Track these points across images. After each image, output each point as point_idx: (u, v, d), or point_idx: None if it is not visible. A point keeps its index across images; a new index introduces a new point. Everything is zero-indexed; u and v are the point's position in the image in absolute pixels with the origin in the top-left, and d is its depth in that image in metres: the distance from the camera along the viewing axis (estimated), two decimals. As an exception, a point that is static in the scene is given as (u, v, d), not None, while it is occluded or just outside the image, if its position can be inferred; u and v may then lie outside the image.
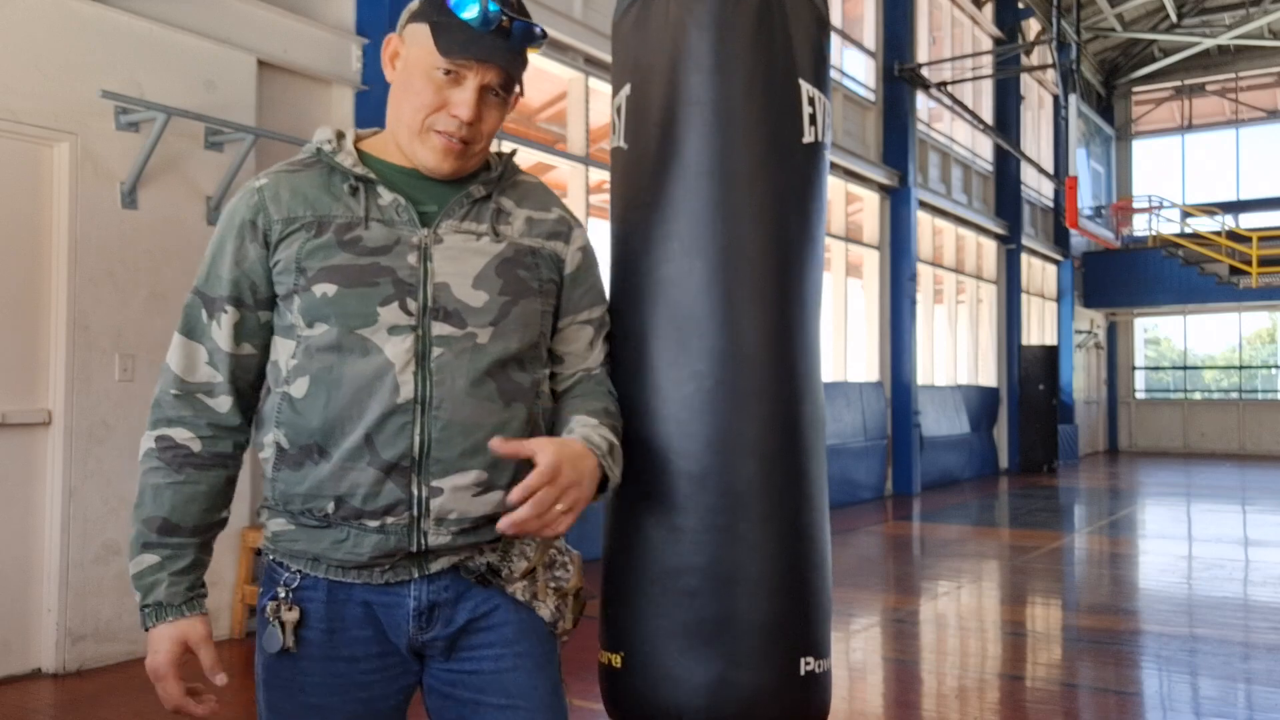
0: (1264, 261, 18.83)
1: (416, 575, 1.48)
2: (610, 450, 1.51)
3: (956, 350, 15.34)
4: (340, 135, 1.55)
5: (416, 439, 1.43)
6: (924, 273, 13.74)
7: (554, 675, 1.55)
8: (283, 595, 1.49)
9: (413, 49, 1.49)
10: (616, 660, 1.76)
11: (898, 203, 12.49)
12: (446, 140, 1.48)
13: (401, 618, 1.49)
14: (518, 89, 1.54)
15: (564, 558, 1.58)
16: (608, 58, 7.63)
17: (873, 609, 6.09)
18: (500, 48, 1.46)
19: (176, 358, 1.53)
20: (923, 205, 13.36)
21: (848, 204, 11.86)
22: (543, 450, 1.39)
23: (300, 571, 1.49)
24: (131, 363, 4.70)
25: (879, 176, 12.06)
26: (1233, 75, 21.23)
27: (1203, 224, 20.89)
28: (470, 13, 1.45)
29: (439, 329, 1.46)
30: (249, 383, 1.54)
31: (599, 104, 8.12)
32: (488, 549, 1.51)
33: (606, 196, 10.49)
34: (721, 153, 1.77)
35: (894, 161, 12.38)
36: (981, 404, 15.36)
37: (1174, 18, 18.67)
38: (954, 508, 11.32)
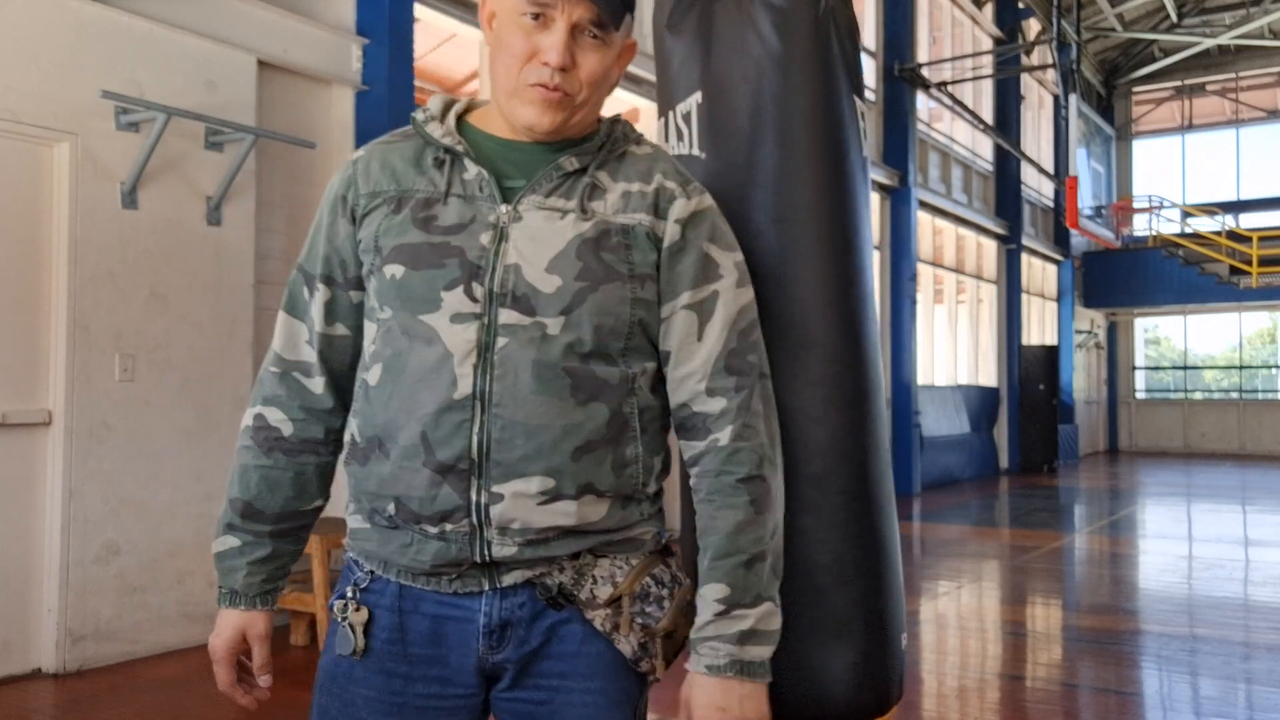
0: (1264, 261, 18.83)
1: (487, 588, 1.32)
2: (747, 637, 1.30)
3: (956, 350, 15.34)
4: (448, 105, 1.42)
5: (475, 439, 1.28)
6: (924, 273, 13.74)
7: (628, 716, 1.36)
8: (350, 595, 1.38)
9: (503, 5, 1.34)
10: None
11: (898, 202, 12.49)
12: (542, 92, 1.31)
13: (471, 634, 1.33)
14: (625, 31, 1.37)
15: (661, 590, 1.35)
16: (608, 58, 7.64)
17: (873, 609, 6.09)
18: None
19: (279, 335, 1.44)
20: (923, 205, 13.36)
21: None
22: (695, 691, 1.29)
23: (372, 572, 1.38)
24: (131, 363, 4.70)
25: (879, 176, 12.06)
26: (1233, 75, 21.22)
27: (1203, 224, 20.89)
28: None
29: (505, 316, 1.29)
30: (343, 365, 1.43)
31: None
32: (564, 566, 1.33)
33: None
34: (801, 165, 1.81)
35: (894, 161, 12.38)
36: (981, 404, 15.36)
37: (1174, 18, 18.67)
38: (954, 508, 11.32)
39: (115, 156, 4.65)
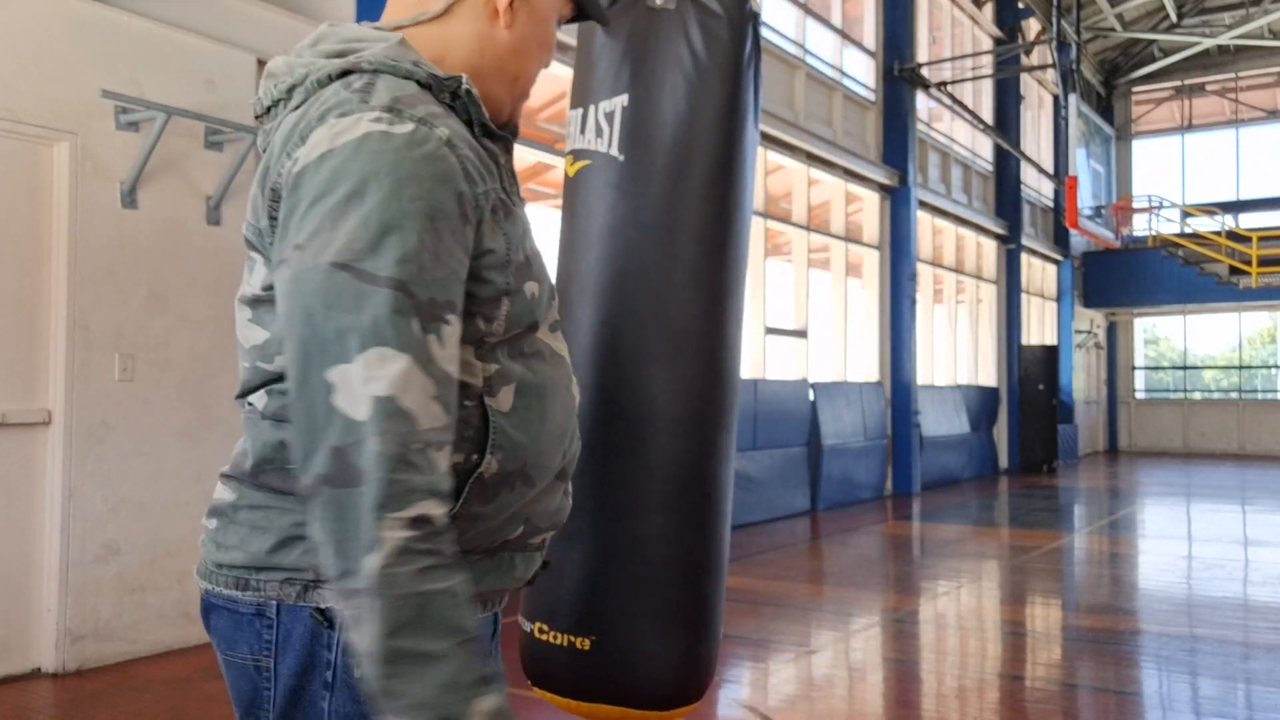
0: (1264, 261, 18.83)
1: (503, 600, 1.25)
2: None
3: (956, 350, 15.34)
4: (460, 75, 1.15)
5: (577, 446, 1.24)
6: (924, 273, 13.74)
7: None
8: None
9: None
10: (584, 643, 1.85)
11: (898, 202, 12.49)
12: (525, 91, 1.24)
13: (487, 636, 1.20)
14: None
15: None
16: (608, 57, 7.64)
17: (872, 609, 6.09)
18: None
19: (411, 394, 0.97)
20: (923, 205, 13.35)
21: (848, 204, 11.86)
22: None
23: None
24: (131, 362, 4.70)
25: (879, 176, 12.06)
26: (1233, 75, 21.22)
27: (1203, 224, 20.89)
28: None
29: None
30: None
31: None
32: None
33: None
34: (743, 170, 1.84)
35: (894, 161, 12.37)
36: (981, 404, 15.36)
37: (1174, 18, 18.66)
38: (954, 507, 11.32)
39: (115, 156, 4.65)
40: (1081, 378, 19.90)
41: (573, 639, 1.84)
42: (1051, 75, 16.78)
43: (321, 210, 0.99)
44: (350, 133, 1.01)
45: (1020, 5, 15.97)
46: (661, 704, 1.87)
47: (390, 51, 1.11)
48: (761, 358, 10.03)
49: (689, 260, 1.81)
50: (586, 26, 1.92)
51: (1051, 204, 18.51)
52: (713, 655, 1.89)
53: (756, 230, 9.85)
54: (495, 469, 1.11)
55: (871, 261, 12.41)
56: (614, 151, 1.87)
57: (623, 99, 1.86)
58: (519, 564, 1.20)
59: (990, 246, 16.17)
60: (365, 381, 0.95)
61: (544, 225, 9.76)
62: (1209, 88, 21.64)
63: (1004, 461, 16.19)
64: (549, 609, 1.86)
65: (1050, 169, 17.51)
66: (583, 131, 1.89)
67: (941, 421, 13.64)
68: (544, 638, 1.87)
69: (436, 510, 0.97)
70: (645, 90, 1.85)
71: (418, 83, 1.10)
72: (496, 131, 1.16)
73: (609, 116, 1.88)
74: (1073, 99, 12.68)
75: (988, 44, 15.58)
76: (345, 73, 1.10)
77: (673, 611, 1.84)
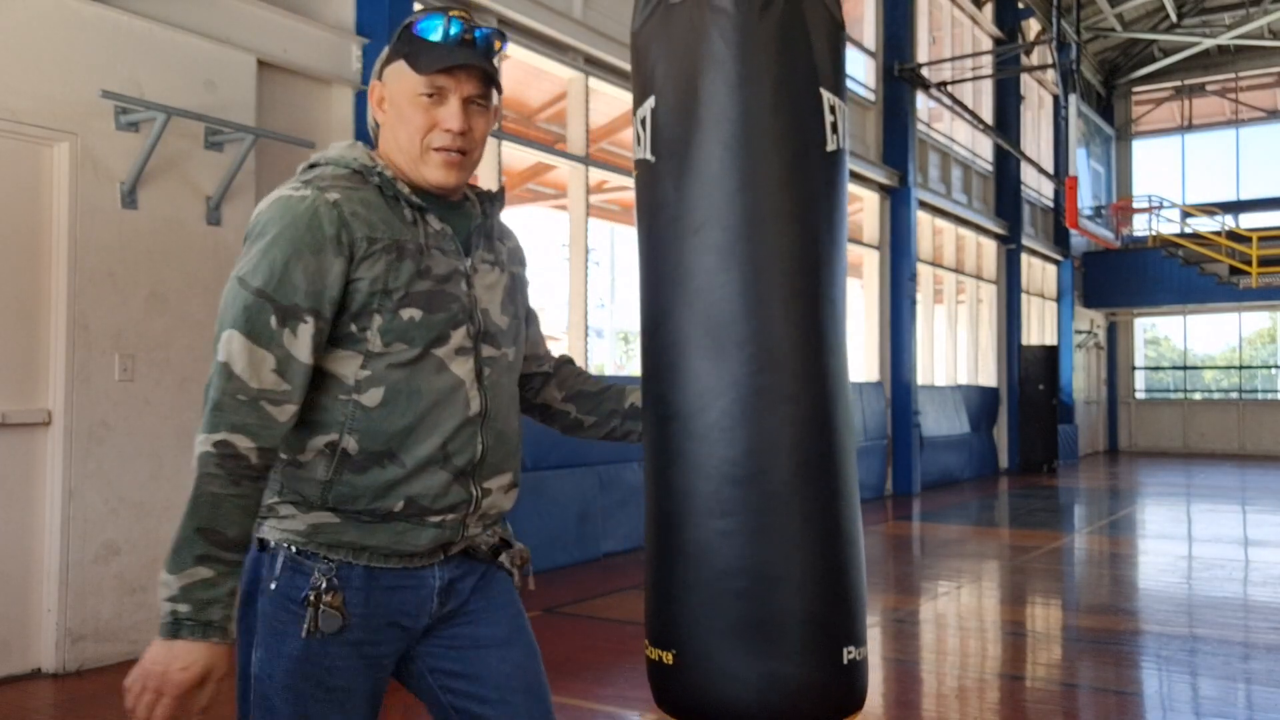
0: (1264, 261, 18.83)
1: (441, 559, 1.64)
2: None
3: (956, 350, 15.34)
4: (370, 154, 1.63)
5: (479, 447, 1.61)
6: (924, 273, 13.74)
7: (529, 623, 1.78)
8: (322, 585, 1.54)
9: (395, 85, 1.62)
10: (668, 657, 1.80)
11: (898, 202, 12.49)
12: (445, 155, 1.60)
13: (425, 596, 1.63)
14: (497, 97, 1.67)
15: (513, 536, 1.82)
16: (608, 58, 7.64)
17: (873, 609, 6.09)
18: (471, 56, 1.59)
19: (241, 360, 1.48)
20: (923, 205, 13.35)
21: (848, 204, 11.85)
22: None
23: (337, 561, 1.56)
24: (131, 363, 4.70)
25: (879, 176, 12.06)
26: (1233, 75, 21.22)
27: (1203, 224, 20.89)
28: (436, 34, 1.59)
29: (486, 350, 1.64)
30: (305, 393, 1.54)
31: (599, 104, 8.11)
32: (495, 533, 1.73)
33: (606, 196, 10.52)
34: (749, 165, 1.79)
35: (894, 161, 12.38)
36: (981, 404, 15.36)
37: (1174, 18, 18.66)
38: (954, 508, 11.32)
39: (115, 156, 4.65)
40: (1081, 378, 19.90)
41: (661, 653, 1.83)
42: (1051, 75, 16.78)
43: (247, 242, 1.55)
44: (274, 196, 1.56)
45: (1020, 5, 15.97)
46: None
47: (340, 151, 1.62)
48: (761, 358, 10.01)
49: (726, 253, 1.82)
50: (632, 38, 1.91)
51: (1051, 204, 18.51)
52: (810, 677, 1.77)
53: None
54: (356, 447, 1.53)
55: (872, 261, 12.41)
56: (648, 155, 1.88)
57: (651, 101, 1.87)
58: (411, 534, 1.58)
59: (990, 246, 16.17)
60: (218, 351, 1.50)
61: (545, 225, 9.74)
62: (1209, 88, 21.65)
63: (1004, 461, 16.19)
64: (647, 624, 1.86)
65: (1050, 169, 17.51)
66: (638, 143, 1.88)
67: (941, 421, 13.64)
68: (646, 652, 1.87)
69: (241, 442, 1.46)
70: (665, 88, 1.85)
71: (351, 170, 1.59)
72: (412, 199, 1.58)
73: (643, 121, 1.88)
74: (1073, 99, 12.69)
75: (988, 44, 15.58)
76: (311, 165, 1.63)
77: (740, 626, 1.76)
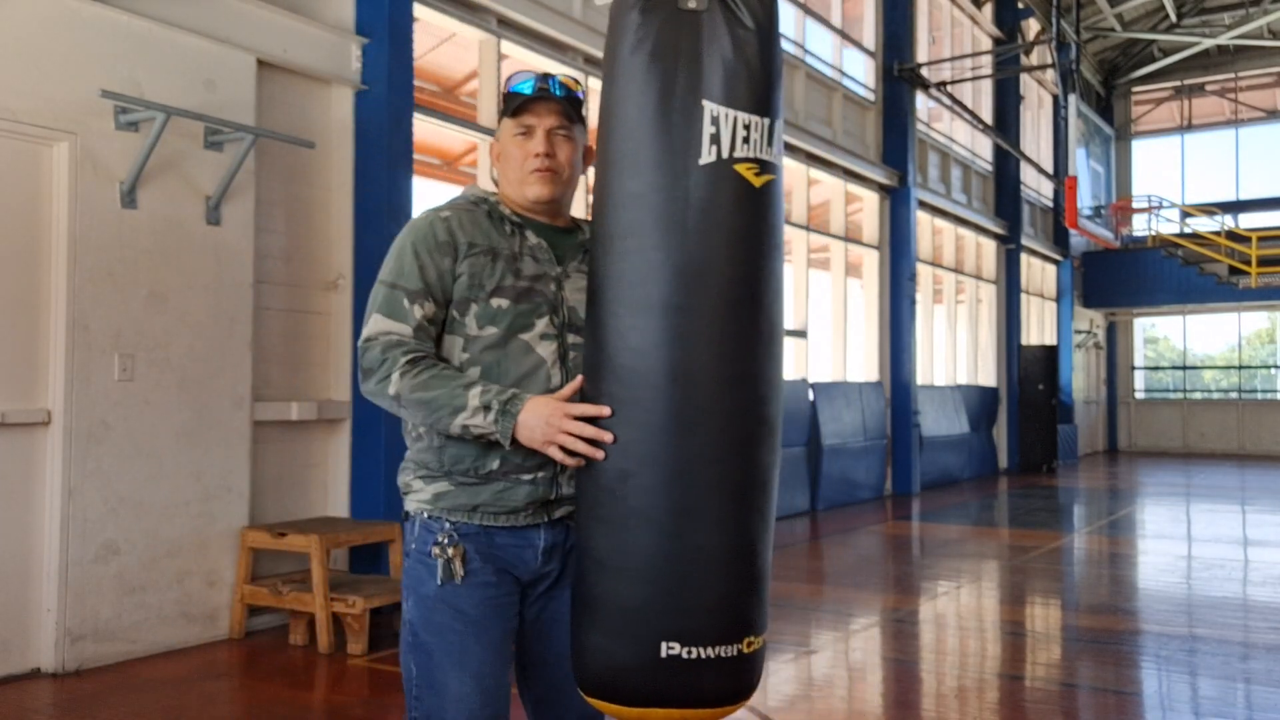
0: (1263, 261, 18.83)
1: (545, 520, 2.01)
2: None
3: (956, 350, 15.34)
4: (488, 192, 2.12)
5: None
6: (923, 272, 13.74)
7: None
8: (445, 541, 1.96)
9: (502, 136, 2.09)
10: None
11: (897, 202, 12.49)
12: (539, 173, 2.03)
13: (530, 556, 2.01)
14: (582, 132, 2.11)
15: None
16: (607, 57, 7.64)
17: (872, 609, 6.09)
18: (549, 98, 2.05)
19: (383, 329, 1.95)
20: (922, 205, 13.35)
21: (847, 204, 11.86)
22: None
23: (458, 521, 1.97)
24: (131, 362, 4.70)
25: (878, 176, 12.06)
26: (1232, 75, 21.22)
27: (1202, 224, 20.89)
28: (525, 87, 2.05)
29: (571, 339, 2.03)
30: (434, 350, 2.00)
31: (598, 103, 8.11)
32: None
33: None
34: (623, 170, 1.90)
35: (893, 161, 12.38)
36: (981, 404, 15.36)
37: (1174, 18, 18.67)
38: (953, 507, 11.32)
39: (115, 156, 4.65)
40: (1081, 378, 19.90)
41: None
42: (1051, 75, 16.78)
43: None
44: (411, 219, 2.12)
45: (1020, 5, 15.97)
46: (714, 702, 1.92)
47: (464, 190, 2.15)
48: (761, 358, 10.01)
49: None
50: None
51: (1051, 204, 18.51)
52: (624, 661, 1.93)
53: (756, 230, 9.85)
54: None
55: (871, 261, 12.41)
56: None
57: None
58: (509, 491, 1.97)
59: (990, 246, 16.17)
60: (366, 326, 1.99)
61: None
62: (1209, 88, 21.65)
63: (1003, 461, 16.19)
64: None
65: (1050, 169, 17.51)
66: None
67: (941, 421, 13.64)
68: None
69: (415, 352, 1.95)
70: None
71: (469, 200, 2.09)
72: (511, 218, 2.06)
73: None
74: (1072, 99, 12.69)
75: (987, 44, 15.58)
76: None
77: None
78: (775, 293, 1.98)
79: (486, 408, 1.87)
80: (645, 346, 1.88)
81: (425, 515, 2.00)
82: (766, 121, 1.91)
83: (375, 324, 1.95)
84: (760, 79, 1.91)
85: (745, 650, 1.92)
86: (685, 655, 1.86)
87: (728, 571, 1.91)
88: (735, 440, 1.90)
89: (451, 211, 2.03)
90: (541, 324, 1.99)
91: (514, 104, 2.04)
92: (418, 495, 2.02)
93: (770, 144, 1.92)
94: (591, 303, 1.94)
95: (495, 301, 1.97)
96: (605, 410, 1.83)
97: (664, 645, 1.86)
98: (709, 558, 1.89)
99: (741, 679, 1.94)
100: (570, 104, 2.06)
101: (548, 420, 1.85)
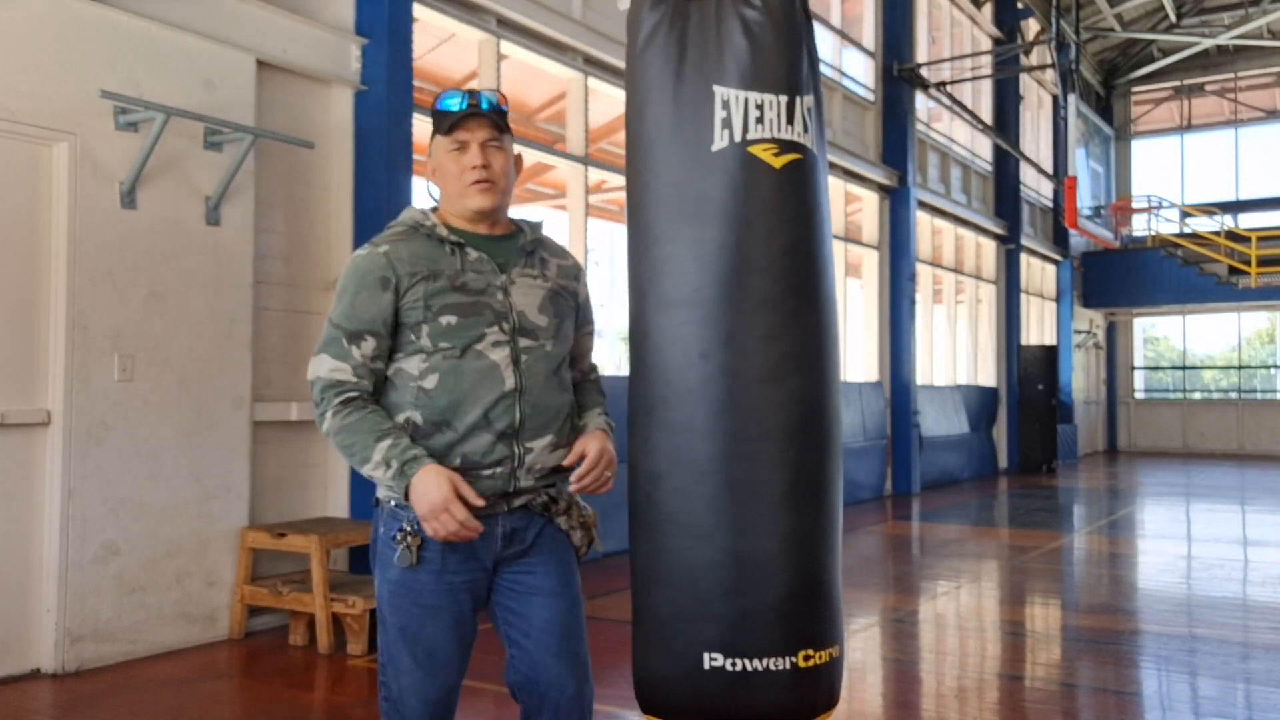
0: (1263, 261, 18.83)
1: (505, 510, 2.15)
2: (612, 430, 2.27)
3: (956, 350, 15.34)
4: (423, 212, 2.22)
5: (517, 415, 2.12)
6: (923, 273, 13.74)
7: (577, 579, 2.25)
8: (408, 529, 2.09)
9: (436, 153, 2.21)
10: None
11: (897, 203, 12.49)
12: (478, 184, 2.15)
13: (492, 540, 2.14)
14: (512, 145, 2.23)
15: (581, 502, 2.27)
16: (607, 58, 7.64)
17: (872, 609, 6.09)
18: (479, 113, 2.16)
19: (325, 371, 2.11)
20: (922, 205, 13.35)
21: (847, 204, 11.86)
22: (590, 446, 2.16)
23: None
24: (130, 363, 4.69)
25: (878, 176, 12.06)
26: (1232, 75, 21.22)
27: (1202, 224, 20.88)
28: (454, 104, 2.17)
29: (523, 342, 2.15)
30: (379, 386, 2.16)
31: (598, 104, 8.11)
32: (547, 491, 2.20)
33: (605, 196, 10.51)
34: (643, 167, 1.86)
35: (893, 161, 12.37)
36: (981, 404, 15.35)
37: (1173, 18, 18.66)
38: (953, 507, 11.32)
39: (114, 156, 4.65)
40: (1081, 378, 19.89)
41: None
42: (1051, 75, 16.78)
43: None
44: (352, 255, 2.20)
45: (1019, 5, 15.96)
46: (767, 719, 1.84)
47: (403, 214, 2.25)
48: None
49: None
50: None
51: (1051, 204, 18.51)
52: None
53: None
54: (421, 419, 2.11)
55: (871, 262, 12.41)
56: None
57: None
58: (471, 483, 2.07)
59: (990, 246, 16.17)
60: (311, 367, 2.15)
61: (547, 222, 9.71)
62: (1208, 88, 21.64)
63: (1003, 461, 16.19)
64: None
65: (1050, 169, 17.51)
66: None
67: (941, 421, 13.63)
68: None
69: (349, 394, 2.10)
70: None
71: (407, 226, 2.19)
72: (449, 238, 2.16)
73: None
74: (1072, 99, 12.68)
75: (987, 44, 15.58)
76: (389, 225, 2.24)
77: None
78: (816, 278, 1.85)
79: (387, 464, 2.03)
80: (668, 344, 1.83)
81: (392, 503, 2.14)
82: (783, 99, 1.82)
83: (318, 365, 2.12)
84: (773, 56, 1.83)
85: (801, 664, 1.79)
86: (730, 667, 1.76)
87: (771, 579, 1.79)
88: (775, 439, 1.79)
89: (389, 245, 2.15)
90: (492, 333, 2.12)
91: (447, 122, 2.16)
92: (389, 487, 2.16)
93: (791, 121, 1.83)
94: (629, 302, 1.99)
95: (444, 319, 2.10)
96: (479, 501, 2.01)
97: (706, 656, 1.78)
98: (748, 564, 1.79)
99: (800, 694, 1.80)
100: (499, 116, 2.19)
101: (432, 499, 1.99)
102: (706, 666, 1.78)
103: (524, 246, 2.22)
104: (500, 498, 2.13)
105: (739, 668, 1.77)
